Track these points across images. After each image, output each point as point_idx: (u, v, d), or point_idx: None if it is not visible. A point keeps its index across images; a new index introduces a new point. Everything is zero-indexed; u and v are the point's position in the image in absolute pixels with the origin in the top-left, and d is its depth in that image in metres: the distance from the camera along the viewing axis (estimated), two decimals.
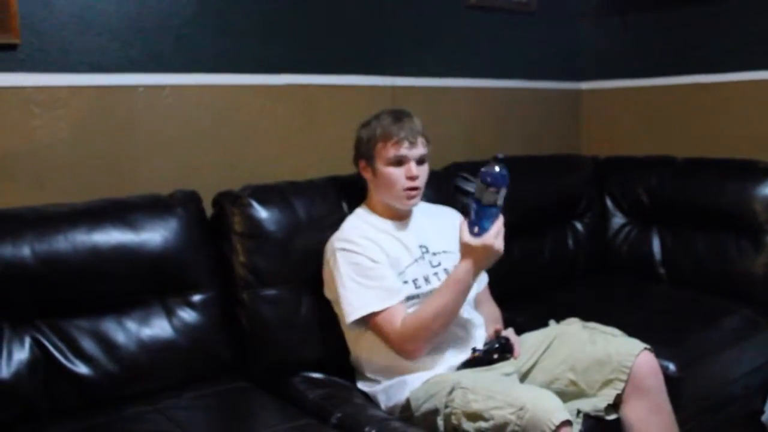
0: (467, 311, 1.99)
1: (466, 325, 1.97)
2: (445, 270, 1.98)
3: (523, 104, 3.17)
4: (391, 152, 1.95)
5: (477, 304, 2.09)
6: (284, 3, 2.40)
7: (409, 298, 1.92)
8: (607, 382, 1.81)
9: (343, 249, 1.92)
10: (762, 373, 2.41)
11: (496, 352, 1.89)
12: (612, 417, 1.81)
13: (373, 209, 2.05)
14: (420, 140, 1.97)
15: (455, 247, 2.02)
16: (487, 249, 1.81)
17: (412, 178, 1.95)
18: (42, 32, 1.95)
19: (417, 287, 1.94)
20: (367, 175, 2.02)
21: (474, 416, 1.66)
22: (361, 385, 1.97)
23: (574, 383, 1.85)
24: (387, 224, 2.02)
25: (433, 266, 1.99)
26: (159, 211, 1.91)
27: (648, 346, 1.85)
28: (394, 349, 1.86)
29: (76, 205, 1.85)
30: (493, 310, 2.13)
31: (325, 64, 2.52)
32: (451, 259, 2.00)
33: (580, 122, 3.44)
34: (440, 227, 2.09)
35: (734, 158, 2.73)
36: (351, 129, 2.52)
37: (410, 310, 1.89)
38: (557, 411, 1.58)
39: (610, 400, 1.80)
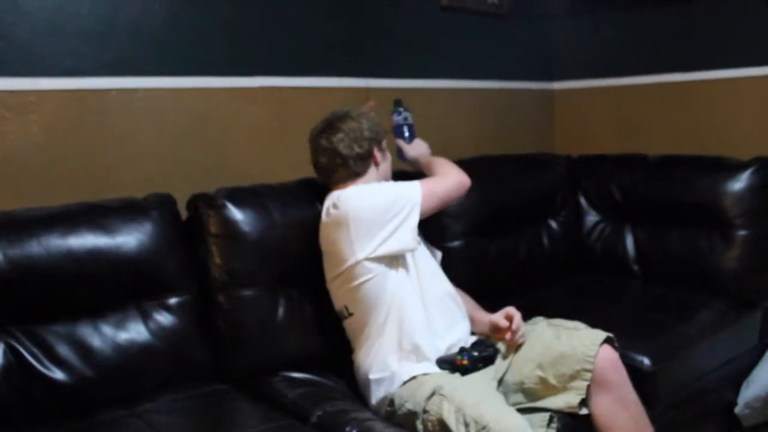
0: (450, 288, 2.05)
1: (455, 299, 2.03)
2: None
3: (496, 104, 3.20)
4: None
5: None
6: (257, 6, 2.40)
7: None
8: (575, 375, 1.83)
9: (354, 196, 1.93)
10: (735, 365, 2.46)
11: (484, 361, 1.90)
12: (585, 412, 1.83)
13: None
14: None
15: None
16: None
17: None
18: (12, 36, 1.94)
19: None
20: (379, 158, 2.09)
21: (444, 426, 1.69)
22: (360, 373, 1.96)
23: (543, 380, 1.88)
24: None
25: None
26: (134, 215, 1.89)
27: (610, 335, 1.88)
28: (455, 185, 2.07)
29: (49, 209, 1.83)
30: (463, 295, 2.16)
31: (299, 66, 2.52)
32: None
33: (553, 122, 3.48)
34: None
35: (704, 155, 2.76)
36: None
37: None
38: (519, 429, 1.61)
39: (582, 393, 1.82)
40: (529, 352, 1.93)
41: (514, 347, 1.97)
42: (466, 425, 1.64)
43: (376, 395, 1.90)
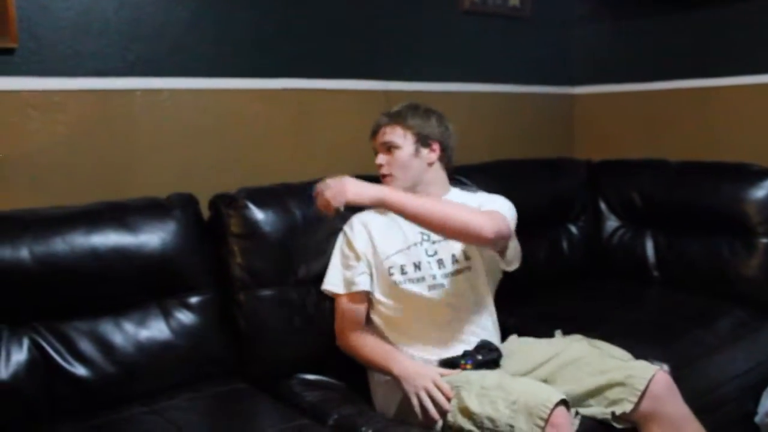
0: (483, 318, 2.01)
1: (476, 332, 1.99)
2: (439, 261, 1.99)
3: (516, 108, 3.19)
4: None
5: None
6: (279, 9, 2.42)
7: (396, 283, 1.95)
8: (617, 401, 1.76)
9: (344, 229, 2.06)
10: (755, 374, 2.42)
11: (487, 365, 1.87)
12: (620, 426, 1.77)
13: None
14: (384, 129, 2.06)
15: None
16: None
17: (378, 166, 2.05)
18: (39, 36, 1.96)
19: (403, 273, 1.96)
20: None
21: (468, 412, 1.68)
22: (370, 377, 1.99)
23: (580, 397, 1.80)
24: None
25: (429, 255, 1.99)
26: (156, 214, 1.92)
27: (658, 368, 1.80)
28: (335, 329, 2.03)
29: (74, 208, 1.85)
30: None
31: (320, 69, 2.53)
32: (449, 248, 2.00)
33: (573, 126, 3.46)
34: None
35: (727, 161, 2.74)
36: (345, 132, 2.56)
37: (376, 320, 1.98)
38: (551, 395, 1.59)
39: (617, 411, 1.75)
40: (572, 374, 1.84)
41: (544, 360, 1.91)
42: (492, 403, 1.63)
43: (387, 398, 1.91)
